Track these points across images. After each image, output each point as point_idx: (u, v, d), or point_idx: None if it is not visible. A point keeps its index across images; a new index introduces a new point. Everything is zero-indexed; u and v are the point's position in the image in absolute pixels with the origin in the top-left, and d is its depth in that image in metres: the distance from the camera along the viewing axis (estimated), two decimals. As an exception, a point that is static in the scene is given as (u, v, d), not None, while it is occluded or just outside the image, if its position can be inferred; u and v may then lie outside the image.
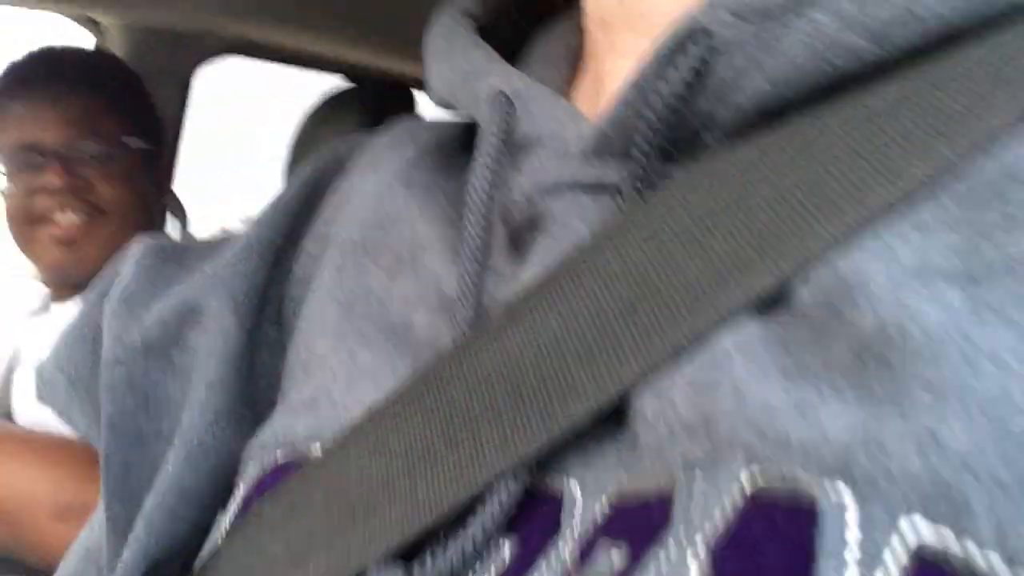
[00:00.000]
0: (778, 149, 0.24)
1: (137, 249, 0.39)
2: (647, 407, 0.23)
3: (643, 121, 0.26)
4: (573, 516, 0.23)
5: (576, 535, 0.23)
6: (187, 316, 0.36)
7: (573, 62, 0.34)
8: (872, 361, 0.20)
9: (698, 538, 0.20)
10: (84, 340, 0.38)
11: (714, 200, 0.25)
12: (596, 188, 0.28)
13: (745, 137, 0.25)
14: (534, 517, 0.24)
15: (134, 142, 1.01)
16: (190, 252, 0.39)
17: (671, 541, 0.20)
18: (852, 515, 0.19)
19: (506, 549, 0.24)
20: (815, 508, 0.19)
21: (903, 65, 0.24)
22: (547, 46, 0.35)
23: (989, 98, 0.22)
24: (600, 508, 0.23)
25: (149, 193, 1.05)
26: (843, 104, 0.24)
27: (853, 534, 0.19)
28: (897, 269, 0.21)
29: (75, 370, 0.38)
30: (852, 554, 0.18)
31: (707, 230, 0.24)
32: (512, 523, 0.24)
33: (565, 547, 0.23)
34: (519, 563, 0.23)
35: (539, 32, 0.36)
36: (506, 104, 0.30)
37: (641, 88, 0.26)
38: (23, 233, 1.01)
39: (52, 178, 0.96)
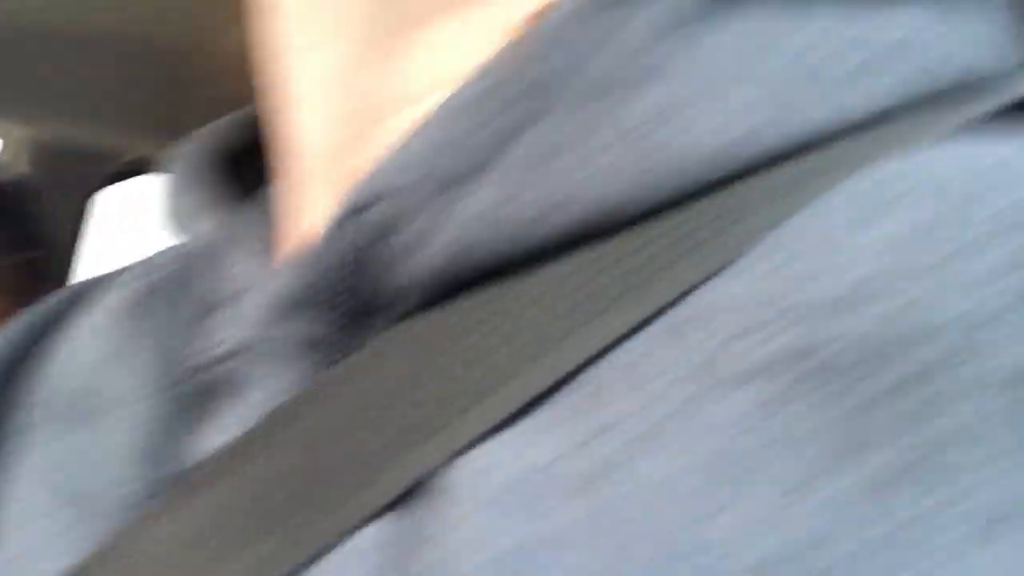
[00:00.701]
0: (443, 331, 0.23)
1: None
2: None
3: (321, 284, 0.24)
4: None
5: None
6: None
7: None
8: None
9: None
10: None
11: (379, 385, 0.23)
12: (284, 349, 0.25)
13: (437, 306, 0.23)
14: None
15: (12, 256, 0.99)
16: None
17: None
18: None
19: None
20: None
21: (577, 243, 0.22)
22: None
23: (635, 288, 0.20)
24: None
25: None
26: (513, 284, 0.22)
27: None
28: (496, 481, 0.19)
29: None
30: None
31: (357, 423, 0.22)
32: None
33: None
34: None
35: None
36: (204, 258, 0.28)
37: (319, 252, 0.24)
38: None
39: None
